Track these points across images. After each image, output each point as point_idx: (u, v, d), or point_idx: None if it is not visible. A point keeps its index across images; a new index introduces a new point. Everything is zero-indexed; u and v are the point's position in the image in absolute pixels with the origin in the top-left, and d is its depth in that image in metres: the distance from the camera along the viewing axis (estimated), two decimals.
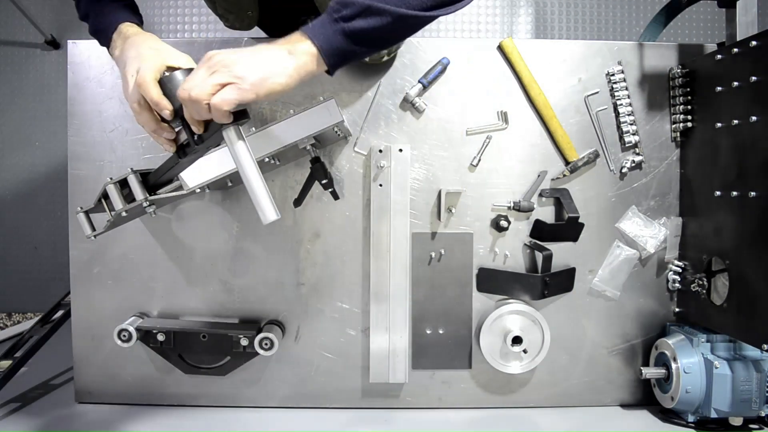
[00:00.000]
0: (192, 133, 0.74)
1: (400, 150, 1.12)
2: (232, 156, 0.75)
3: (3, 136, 2.10)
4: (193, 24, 2.24)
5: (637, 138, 1.14)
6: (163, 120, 0.76)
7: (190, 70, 0.75)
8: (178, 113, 0.73)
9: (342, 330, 1.15)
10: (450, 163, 1.15)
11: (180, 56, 0.79)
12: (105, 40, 0.87)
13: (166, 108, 0.72)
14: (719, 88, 1.02)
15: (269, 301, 1.15)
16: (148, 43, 0.79)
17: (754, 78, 0.93)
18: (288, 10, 1.16)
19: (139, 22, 0.89)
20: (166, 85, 0.73)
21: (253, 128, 0.96)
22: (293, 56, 0.72)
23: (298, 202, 1.07)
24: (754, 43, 0.93)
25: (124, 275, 1.14)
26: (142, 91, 0.73)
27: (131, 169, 0.94)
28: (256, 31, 1.28)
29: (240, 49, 0.73)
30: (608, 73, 1.15)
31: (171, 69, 0.76)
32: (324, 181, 1.03)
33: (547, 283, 1.12)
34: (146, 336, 1.09)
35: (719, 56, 1.03)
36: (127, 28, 0.85)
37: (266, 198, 0.74)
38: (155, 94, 0.72)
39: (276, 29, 1.34)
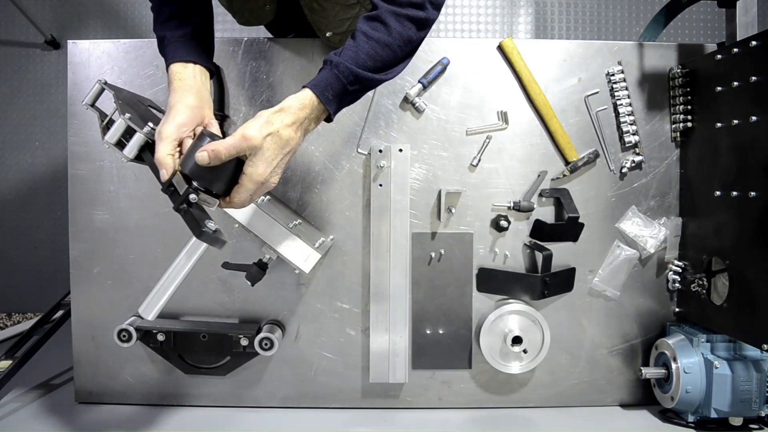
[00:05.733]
0: (186, 199, 0.77)
1: (400, 150, 1.12)
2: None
3: (3, 136, 2.10)
4: None
5: (637, 138, 1.14)
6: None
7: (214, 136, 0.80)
8: (185, 176, 0.77)
9: (342, 330, 1.15)
10: (450, 163, 1.15)
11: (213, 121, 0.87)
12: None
13: (166, 170, 0.78)
14: (719, 88, 1.02)
15: (269, 301, 1.15)
16: (186, 101, 0.84)
17: (754, 78, 0.93)
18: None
19: (197, 56, 0.91)
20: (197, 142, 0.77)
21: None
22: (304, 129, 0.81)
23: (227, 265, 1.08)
24: (754, 43, 0.94)
25: (124, 275, 1.14)
26: (157, 144, 0.80)
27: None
28: (257, 29, 1.27)
29: (276, 149, 0.77)
30: (608, 73, 1.15)
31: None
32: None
33: (547, 283, 1.12)
34: (146, 336, 1.09)
35: (719, 56, 1.03)
36: (179, 70, 0.88)
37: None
38: (163, 155, 0.79)
39: (283, 28, 1.32)
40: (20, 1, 1.94)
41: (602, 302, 1.17)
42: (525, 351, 1.12)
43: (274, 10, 1.07)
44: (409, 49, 0.86)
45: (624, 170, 1.15)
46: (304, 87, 0.80)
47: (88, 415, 1.11)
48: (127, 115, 0.83)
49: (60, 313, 1.34)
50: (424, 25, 0.85)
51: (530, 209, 1.14)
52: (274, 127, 0.76)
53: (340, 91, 0.81)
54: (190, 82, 0.87)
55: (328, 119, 0.83)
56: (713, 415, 1.02)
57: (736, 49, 0.98)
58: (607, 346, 1.17)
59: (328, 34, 1.06)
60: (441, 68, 1.13)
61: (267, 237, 1.04)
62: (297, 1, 1.02)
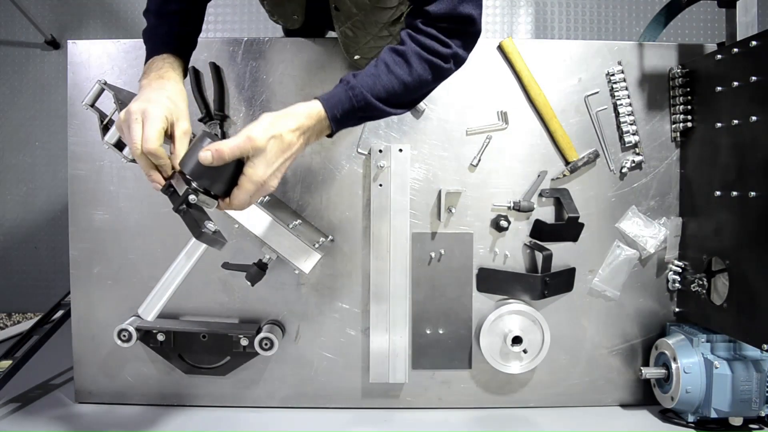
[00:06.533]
0: (186, 200, 0.76)
1: (400, 150, 1.12)
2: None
3: (3, 136, 2.10)
4: None
5: (637, 138, 1.14)
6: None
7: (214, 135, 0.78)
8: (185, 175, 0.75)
9: (342, 330, 1.15)
10: (450, 163, 1.15)
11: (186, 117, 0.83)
12: (147, 57, 0.90)
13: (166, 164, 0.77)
14: (719, 88, 1.02)
15: (269, 301, 1.15)
16: (162, 93, 0.82)
17: (754, 78, 0.93)
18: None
19: (181, 53, 0.91)
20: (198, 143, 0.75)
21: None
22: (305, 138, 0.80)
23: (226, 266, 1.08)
24: (754, 43, 0.94)
25: (124, 275, 1.14)
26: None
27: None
28: (257, 29, 1.27)
29: (277, 152, 0.76)
30: (608, 73, 1.15)
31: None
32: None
33: (547, 283, 1.12)
34: (146, 336, 1.09)
35: (719, 56, 1.03)
36: (160, 62, 0.87)
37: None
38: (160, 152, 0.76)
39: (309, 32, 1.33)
40: (20, 1, 1.95)
41: (602, 302, 1.17)
42: (525, 351, 1.12)
43: (300, 22, 1.10)
44: (421, 94, 0.87)
45: (624, 170, 1.15)
46: (315, 98, 0.81)
47: (88, 415, 1.11)
48: None
49: (60, 313, 1.34)
50: (441, 76, 0.86)
51: (530, 209, 1.14)
52: (278, 130, 0.76)
53: (347, 112, 0.81)
54: (172, 80, 0.87)
55: (329, 136, 0.84)
56: (713, 415, 1.02)
57: (736, 49, 0.98)
58: (607, 346, 1.17)
59: (356, 57, 1.09)
60: None
61: (267, 237, 1.04)
62: (327, 19, 1.03)
